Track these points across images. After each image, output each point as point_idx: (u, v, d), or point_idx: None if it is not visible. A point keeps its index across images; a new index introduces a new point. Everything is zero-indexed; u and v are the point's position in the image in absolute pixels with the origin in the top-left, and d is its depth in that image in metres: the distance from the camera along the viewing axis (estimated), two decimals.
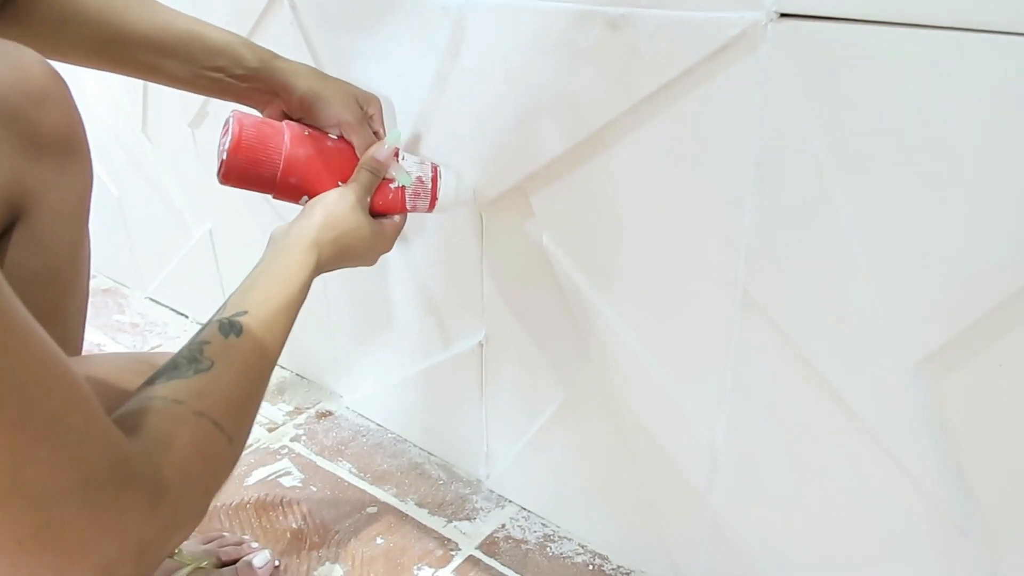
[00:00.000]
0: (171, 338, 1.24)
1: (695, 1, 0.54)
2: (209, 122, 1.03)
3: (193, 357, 0.43)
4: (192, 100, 1.03)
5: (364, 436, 1.00)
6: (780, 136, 0.54)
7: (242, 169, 0.61)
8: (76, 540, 0.30)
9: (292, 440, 1.00)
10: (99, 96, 1.18)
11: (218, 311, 0.49)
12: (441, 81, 0.72)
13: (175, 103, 1.06)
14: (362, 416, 1.04)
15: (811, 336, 0.58)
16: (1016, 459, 0.52)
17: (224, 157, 0.60)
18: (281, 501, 0.89)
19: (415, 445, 0.98)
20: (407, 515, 0.87)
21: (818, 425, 0.60)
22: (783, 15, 0.51)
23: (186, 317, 1.30)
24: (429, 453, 0.96)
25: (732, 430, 0.66)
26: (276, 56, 0.64)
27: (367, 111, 0.67)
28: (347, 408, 1.06)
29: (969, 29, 0.44)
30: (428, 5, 0.69)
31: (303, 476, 0.93)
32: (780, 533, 0.66)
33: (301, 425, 1.03)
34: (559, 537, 0.84)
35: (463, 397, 0.88)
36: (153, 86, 1.09)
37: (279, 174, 0.62)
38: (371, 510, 0.88)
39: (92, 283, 0.66)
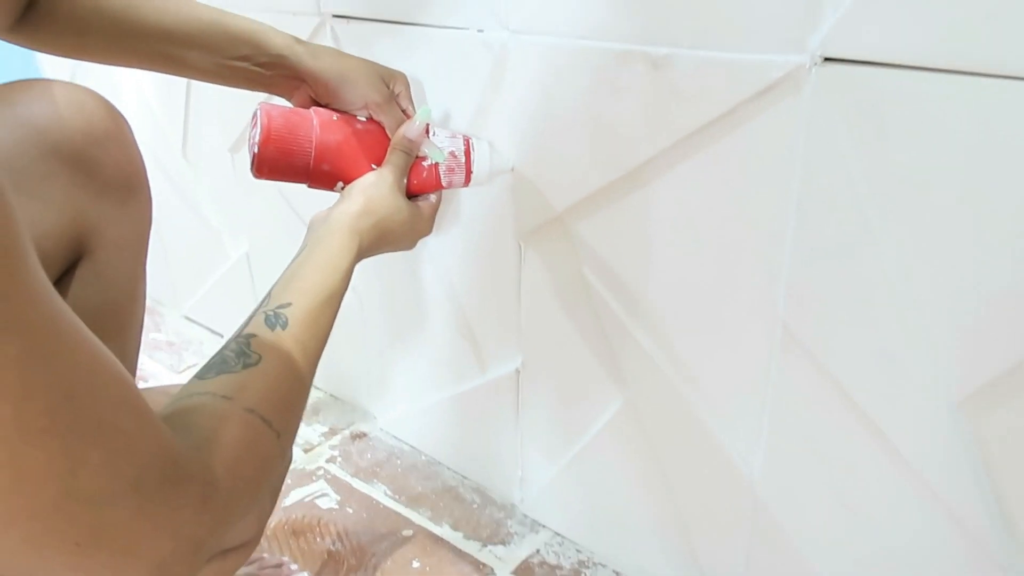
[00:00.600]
0: (206, 356, 1.26)
1: (738, 43, 0.55)
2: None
3: (241, 351, 0.44)
4: (232, 125, 1.05)
5: (398, 458, 1.01)
6: (822, 176, 0.55)
7: (274, 160, 0.61)
8: (131, 539, 0.31)
9: (328, 461, 1.01)
10: (140, 120, 1.21)
11: (262, 302, 0.49)
12: (482, 114, 0.73)
13: (215, 128, 1.09)
14: (396, 438, 1.05)
15: (851, 372, 0.58)
16: None
17: (256, 151, 0.60)
18: (318, 523, 0.90)
19: (449, 468, 0.99)
20: (442, 539, 0.88)
21: (858, 460, 0.60)
22: (827, 59, 0.52)
23: (221, 336, 1.32)
24: (463, 476, 0.97)
25: (770, 463, 0.66)
26: (299, 41, 0.63)
27: (393, 89, 0.66)
28: (381, 429, 1.07)
29: (1017, 78, 0.45)
30: (471, 40, 0.71)
31: (339, 498, 0.94)
32: (818, 567, 0.67)
33: (336, 446, 1.04)
34: (593, 563, 0.84)
35: (498, 422, 0.89)
36: (194, 111, 1.12)
37: (312, 162, 0.62)
38: (406, 533, 0.89)
39: None
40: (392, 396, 1.04)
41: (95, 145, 0.54)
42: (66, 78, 1.30)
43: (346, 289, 0.54)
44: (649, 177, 0.64)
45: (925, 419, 0.55)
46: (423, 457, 1.01)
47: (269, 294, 0.50)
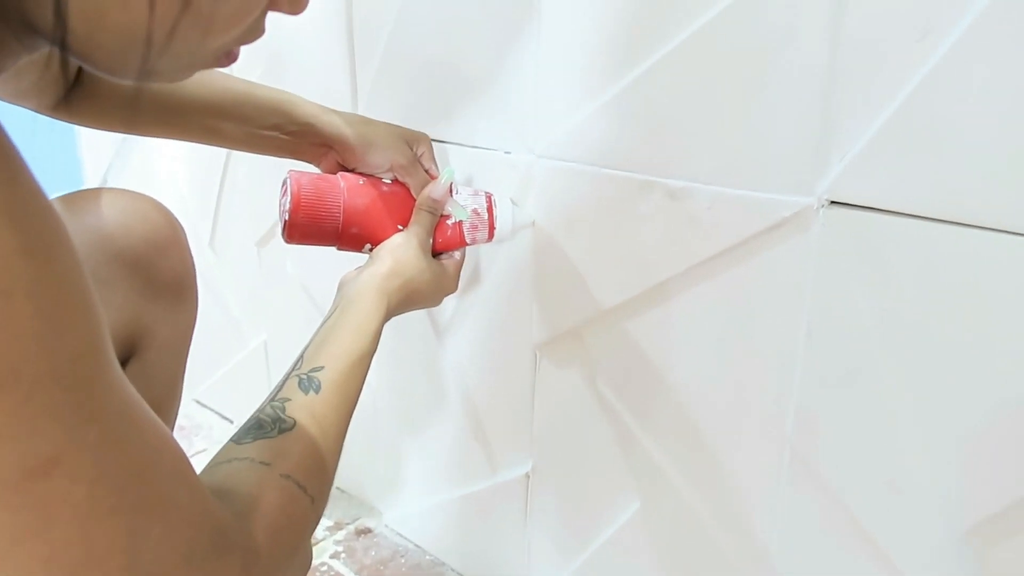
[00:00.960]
0: (216, 441, 1.27)
1: (751, 181, 0.59)
2: (276, 242, 1.10)
3: (276, 416, 0.45)
4: (261, 220, 1.10)
5: (403, 556, 1.01)
6: (831, 307, 0.58)
7: (304, 227, 0.63)
8: None
9: (332, 557, 1.01)
10: (172, 209, 1.26)
11: (294, 365, 0.51)
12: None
13: (245, 222, 1.13)
14: (401, 536, 1.05)
15: (859, 497, 0.60)
16: None
17: (286, 218, 0.63)
18: None
19: (454, 570, 0.99)
20: None
21: None
22: (834, 202, 0.56)
23: (231, 422, 1.33)
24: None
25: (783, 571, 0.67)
26: (326, 110, 0.66)
27: (417, 151, 0.69)
28: (386, 526, 1.07)
29: (1013, 232, 0.49)
30: (499, 159, 0.76)
31: None
32: None
33: (341, 542, 1.04)
34: None
35: (506, 525, 0.90)
36: (226, 204, 1.17)
37: (340, 226, 0.63)
38: None
39: None
40: (399, 493, 1.04)
41: (155, 252, 0.58)
42: (106, 152, 1.37)
43: (375, 349, 0.55)
44: (665, 298, 0.67)
45: (932, 547, 0.57)
46: (428, 557, 1.01)
47: (301, 357, 0.51)
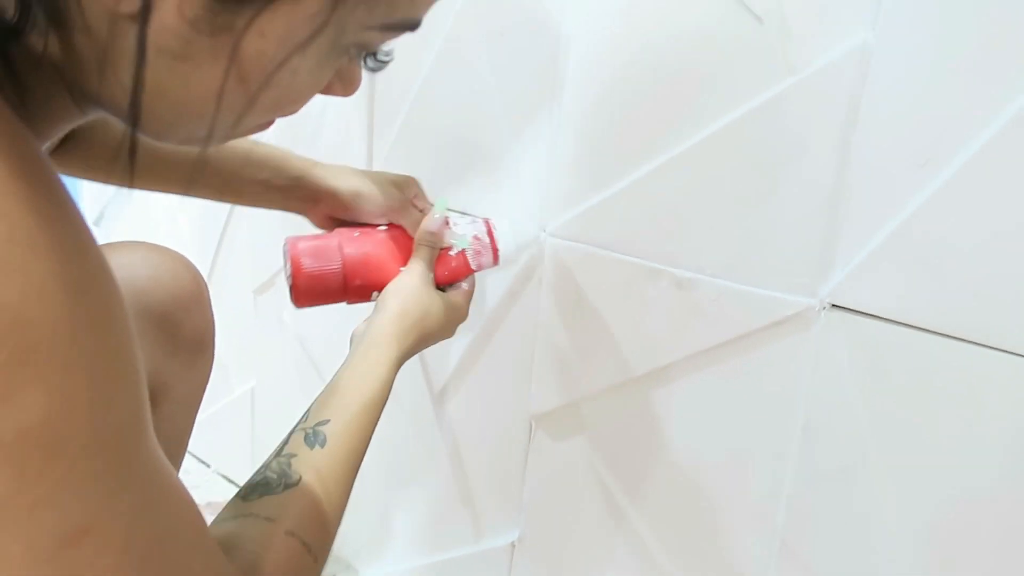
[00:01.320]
0: (192, 486, 1.25)
1: (756, 279, 0.62)
2: (275, 291, 1.11)
3: (282, 471, 0.46)
4: (262, 269, 1.11)
5: None
6: (827, 405, 0.60)
7: (310, 289, 0.64)
8: None
9: None
10: None
11: (301, 419, 0.51)
12: (514, 296, 0.80)
13: (243, 270, 1.14)
14: None
15: None
16: None
17: (290, 283, 0.64)
18: None
19: None
20: None
21: None
22: (835, 306, 0.59)
23: (208, 466, 1.32)
24: None
25: None
26: (315, 164, 0.67)
27: (407, 195, 0.69)
28: None
29: (1001, 350, 0.52)
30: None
31: None
32: None
33: None
34: None
35: None
36: (225, 251, 1.18)
37: (344, 281, 0.64)
38: None
39: None
40: (379, 552, 1.04)
41: (180, 309, 0.59)
42: (106, 189, 1.37)
43: (387, 396, 0.55)
44: (666, 381, 0.70)
45: None
46: None
47: (308, 411, 0.52)
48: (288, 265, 0.64)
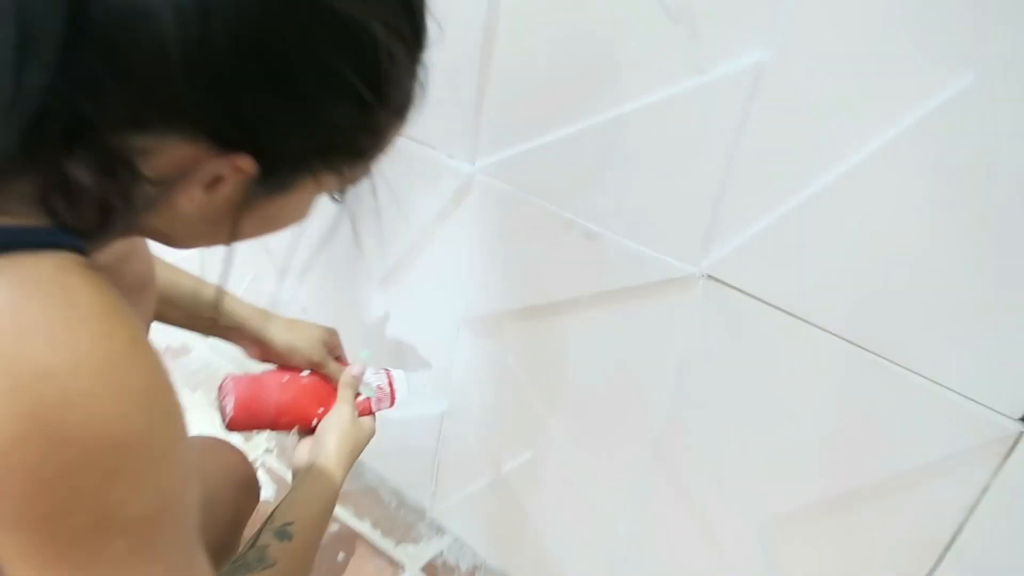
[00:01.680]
0: None
1: (652, 243, 0.72)
2: None
3: (260, 556, 0.59)
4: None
5: None
6: (697, 350, 0.74)
7: (244, 422, 0.76)
8: None
9: (265, 452, 1.16)
10: None
11: (267, 520, 0.63)
12: (442, 219, 0.88)
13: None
14: None
15: (700, 487, 0.79)
16: None
17: (229, 415, 0.75)
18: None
19: (370, 468, 1.17)
20: (360, 534, 1.07)
21: (689, 551, 0.82)
22: (711, 277, 0.70)
23: None
24: (382, 477, 1.16)
25: (637, 528, 0.88)
26: (257, 311, 0.77)
27: (330, 345, 0.81)
28: None
29: (819, 327, 0.64)
30: (441, 162, 0.85)
31: (275, 488, 1.11)
32: None
33: (273, 438, 1.19)
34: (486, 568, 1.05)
35: (420, 452, 1.07)
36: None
37: (273, 419, 0.77)
38: (332, 528, 1.07)
39: None
40: None
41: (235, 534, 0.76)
42: None
43: (335, 503, 0.69)
44: (572, 311, 0.81)
45: (741, 529, 0.77)
46: None
47: (272, 515, 0.64)
48: (230, 400, 0.75)
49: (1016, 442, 0.58)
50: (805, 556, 0.75)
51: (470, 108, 0.80)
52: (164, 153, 0.35)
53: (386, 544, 1.06)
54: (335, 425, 0.74)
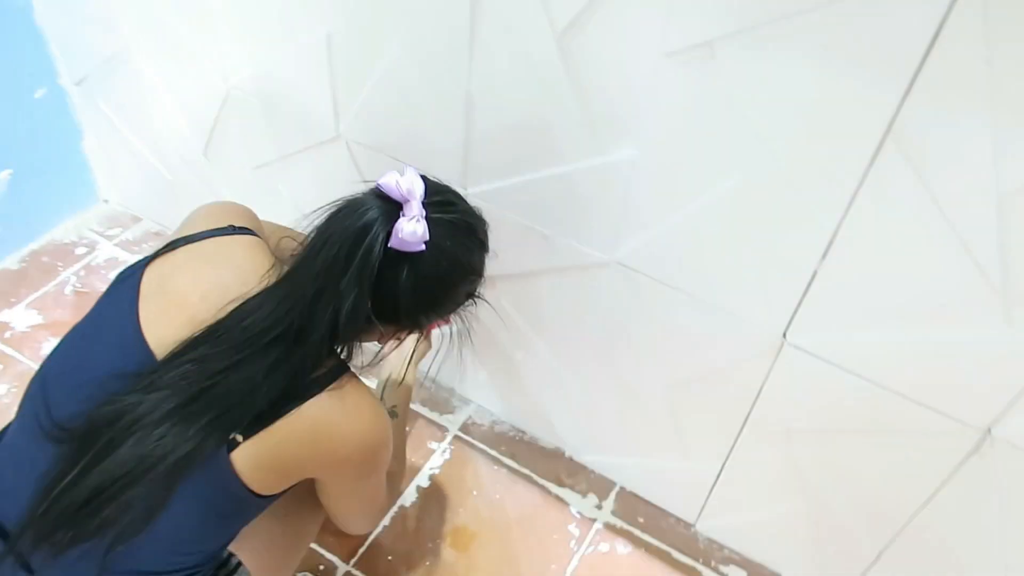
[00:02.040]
0: None
1: (582, 239, 1.18)
2: (271, 167, 1.54)
3: None
4: (257, 152, 1.52)
5: None
6: (609, 312, 1.23)
7: None
8: None
9: None
10: (172, 125, 1.63)
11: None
12: None
13: (238, 152, 1.55)
14: None
15: (629, 372, 1.31)
16: None
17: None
18: None
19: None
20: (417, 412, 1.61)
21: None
22: (620, 264, 1.17)
23: None
24: (422, 371, 1.68)
25: (586, 397, 1.41)
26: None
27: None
28: None
29: (688, 293, 1.14)
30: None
31: None
32: None
33: None
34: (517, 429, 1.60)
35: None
36: (222, 124, 1.56)
37: None
38: None
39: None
40: None
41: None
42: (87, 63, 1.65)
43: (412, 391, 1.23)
44: (533, 279, 1.29)
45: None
46: None
47: (382, 399, 1.19)
48: None
49: (779, 350, 1.09)
50: None
51: (455, 154, 1.22)
52: (381, 329, 0.85)
53: (433, 415, 1.61)
54: (408, 344, 1.21)
